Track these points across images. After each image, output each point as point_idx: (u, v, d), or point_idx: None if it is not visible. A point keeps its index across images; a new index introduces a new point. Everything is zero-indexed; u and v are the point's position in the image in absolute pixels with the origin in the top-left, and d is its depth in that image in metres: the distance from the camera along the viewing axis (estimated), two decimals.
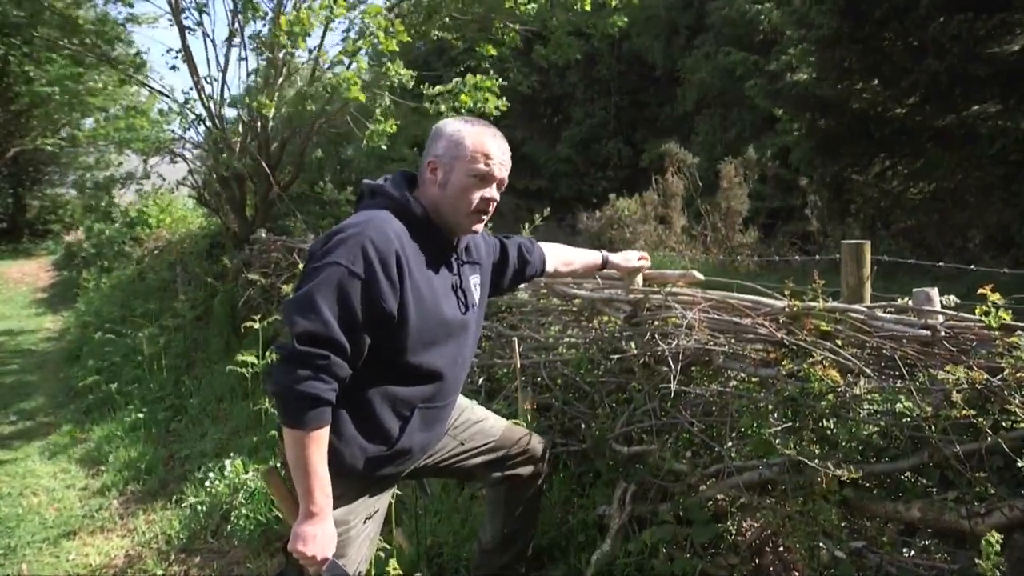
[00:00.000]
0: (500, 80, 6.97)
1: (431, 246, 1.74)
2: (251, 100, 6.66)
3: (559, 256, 2.35)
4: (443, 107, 6.65)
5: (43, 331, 9.84)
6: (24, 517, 3.86)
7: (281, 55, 6.99)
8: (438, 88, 6.74)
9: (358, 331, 1.58)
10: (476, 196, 1.74)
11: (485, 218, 1.80)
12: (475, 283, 1.91)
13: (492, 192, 1.78)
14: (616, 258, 2.53)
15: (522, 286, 3.66)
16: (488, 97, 6.81)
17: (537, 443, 2.25)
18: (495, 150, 1.76)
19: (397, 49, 6.36)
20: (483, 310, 1.98)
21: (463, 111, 6.74)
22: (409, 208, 1.72)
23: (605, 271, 2.61)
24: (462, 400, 2.16)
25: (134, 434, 4.89)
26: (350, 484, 1.71)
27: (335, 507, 1.66)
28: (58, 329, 9.79)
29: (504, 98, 6.96)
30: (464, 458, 2.07)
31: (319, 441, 1.55)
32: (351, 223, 1.65)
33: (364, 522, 1.77)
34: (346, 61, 6.67)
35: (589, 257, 2.47)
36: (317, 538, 1.56)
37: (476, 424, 2.12)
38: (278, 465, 1.63)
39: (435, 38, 8.24)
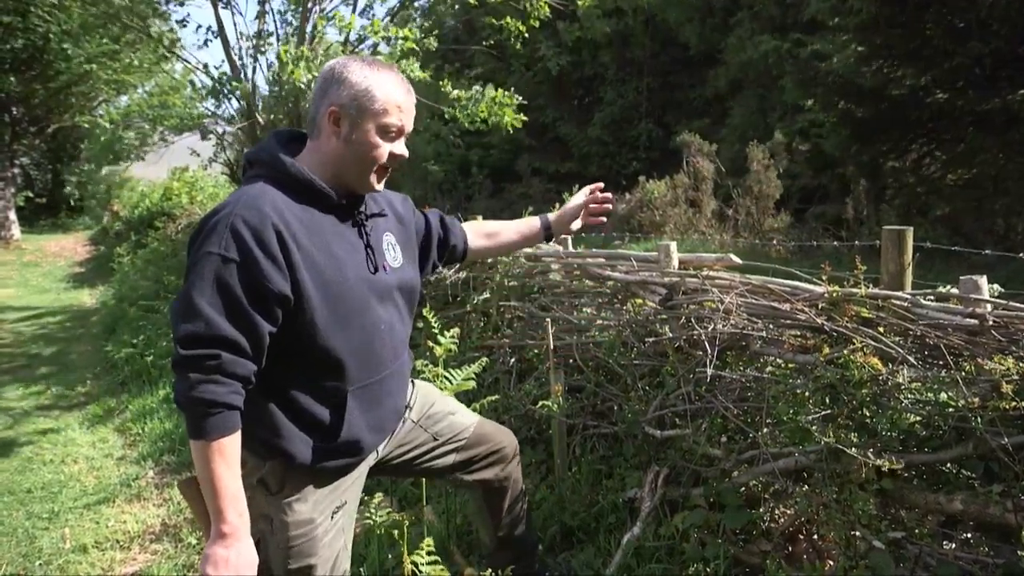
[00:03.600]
0: (517, 98, 6.97)
1: (322, 206, 1.56)
2: (282, 72, 6.69)
3: (483, 229, 2.08)
4: (459, 114, 6.70)
5: (81, 304, 10.07)
6: (65, 483, 3.97)
7: (310, 26, 7.00)
8: (458, 93, 6.78)
9: (249, 320, 1.42)
10: (385, 151, 1.57)
11: (387, 175, 1.64)
12: (390, 241, 1.71)
13: (401, 148, 1.61)
14: (556, 216, 2.11)
15: (554, 267, 3.67)
16: (506, 112, 6.78)
17: (509, 443, 2.09)
18: (406, 101, 1.58)
19: (414, 44, 6.39)
20: (414, 270, 1.78)
21: (477, 120, 6.78)
22: (284, 169, 1.53)
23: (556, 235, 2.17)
24: (432, 391, 2.04)
25: (169, 406, 4.99)
26: (305, 480, 1.59)
27: (294, 507, 1.57)
28: (95, 303, 10.01)
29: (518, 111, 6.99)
30: (435, 455, 1.94)
31: (226, 452, 1.40)
32: (222, 205, 1.48)
33: (332, 516, 1.64)
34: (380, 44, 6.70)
35: (525, 225, 2.12)
36: (230, 561, 1.40)
37: (448, 417, 1.98)
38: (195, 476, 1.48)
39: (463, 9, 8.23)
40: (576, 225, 2.12)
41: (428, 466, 1.94)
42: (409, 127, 1.61)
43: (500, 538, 2.16)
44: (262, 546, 1.54)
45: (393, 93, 1.55)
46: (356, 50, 7.02)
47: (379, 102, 1.53)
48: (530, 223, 2.12)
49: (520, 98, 6.97)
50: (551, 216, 2.13)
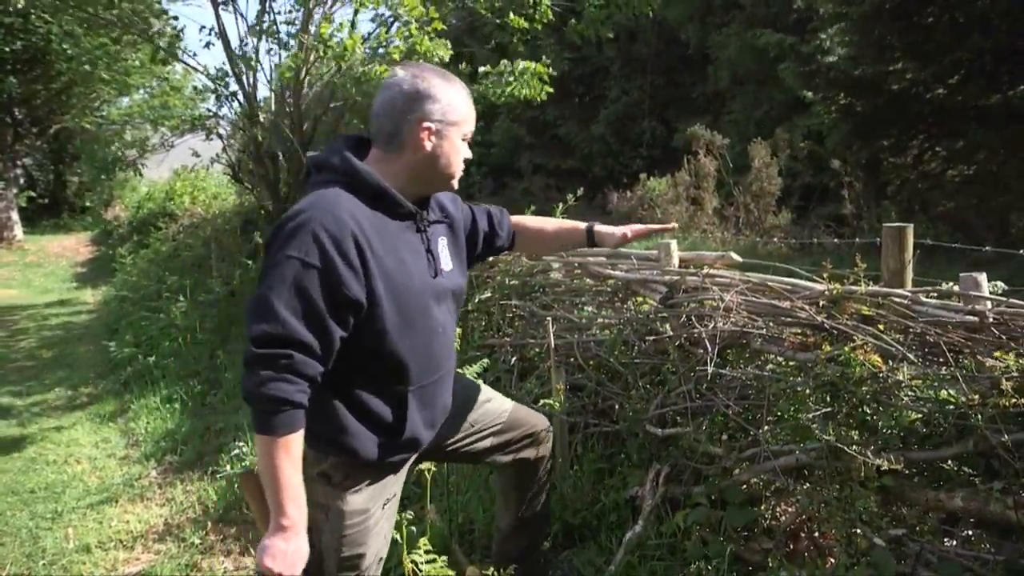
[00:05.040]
0: (547, 64, 6.76)
1: (393, 213, 1.62)
2: (281, 74, 6.68)
3: (528, 224, 2.14)
4: (491, 90, 6.54)
5: (83, 304, 10.09)
6: (69, 483, 3.98)
7: (312, 32, 6.99)
8: (485, 68, 6.67)
9: (324, 324, 1.48)
10: (462, 157, 1.69)
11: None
12: (444, 244, 1.78)
13: (468, 151, 1.72)
14: (604, 229, 2.13)
15: (555, 266, 3.67)
16: (535, 83, 6.56)
17: (542, 425, 2.18)
18: (472, 109, 1.71)
19: (442, 26, 6.28)
20: (463, 273, 1.86)
21: (505, 95, 6.62)
22: (359, 177, 1.57)
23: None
24: (468, 379, 2.12)
25: (170, 406, 5.01)
26: (365, 474, 1.67)
27: (354, 498, 1.64)
28: (97, 303, 10.02)
29: (547, 83, 6.77)
30: (473, 440, 2.02)
31: (291, 449, 1.46)
32: (300, 209, 1.52)
33: (383, 508, 1.74)
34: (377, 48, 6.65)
35: (568, 226, 2.17)
36: (287, 555, 1.47)
37: (485, 404, 2.06)
38: (255, 470, 1.53)
39: (466, 9, 8.15)
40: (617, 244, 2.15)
41: (467, 450, 2.03)
42: None
43: (520, 519, 2.23)
44: (315, 535, 1.60)
45: (468, 104, 1.68)
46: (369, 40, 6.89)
47: (460, 113, 1.65)
48: (575, 228, 2.14)
49: (551, 68, 6.77)
50: (599, 227, 2.12)
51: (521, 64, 6.60)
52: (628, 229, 2.11)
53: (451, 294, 1.77)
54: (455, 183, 1.72)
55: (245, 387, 1.46)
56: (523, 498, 2.21)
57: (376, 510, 1.71)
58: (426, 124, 1.61)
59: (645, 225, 2.17)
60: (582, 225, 2.14)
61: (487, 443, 2.05)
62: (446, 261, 1.76)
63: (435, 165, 1.65)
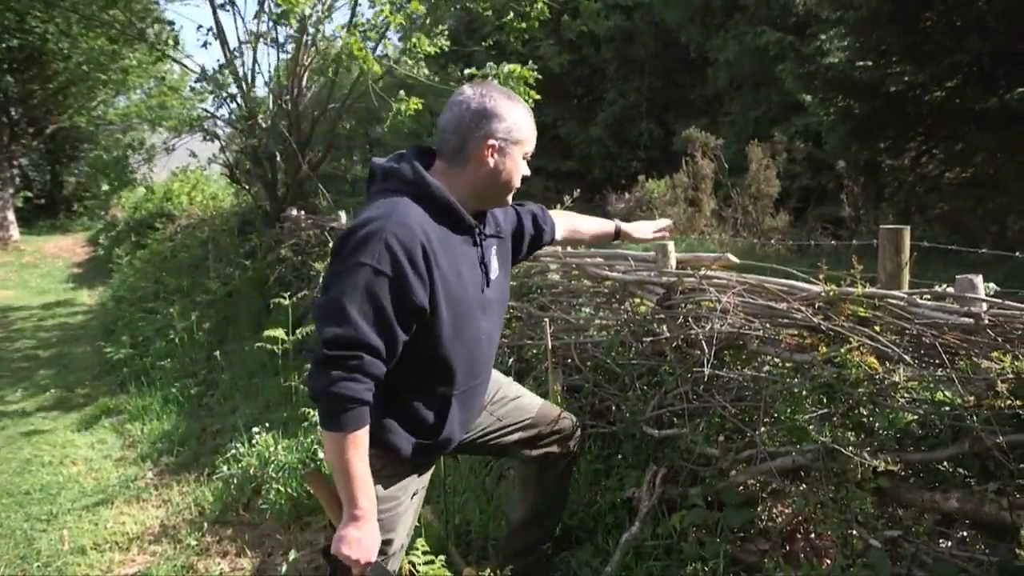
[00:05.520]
0: (534, 69, 6.68)
1: (455, 226, 1.69)
2: (278, 76, 6.68)
3: (568, 223, 2.27)
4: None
5: (80, 305, 10.07)
6: (64, 485, 3.98)
7: (309, 34, 6.99)
8: (471, 71, 6.62)
9: (391, 329, 1.56)
10: (521, 176, 1.77)
11: None
12: (494, 255, 1.85)
13: (527, 169, 1.79)
14: (629, 227, 2.40)
15: (553, 267, 3.67)
16: (522, 88, 6.50)
17: (569, 422, 2.26)
18: (534, 128, 1.78)
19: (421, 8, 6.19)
20: (507, 282, 1.96)
21: None
22: (429, 191, 1.64)
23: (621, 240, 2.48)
24: (499, 376, 2.16)
25: (167, 407, 5.00)
26: (401, 468, 1.76)
27: (387, 485, 1.71)
28: (94, 304, 10.01)
29: (536, 88, 6.71)
30: (500, 435, 2.10)
31: (359, 443, 1.55)
32: (372, 216, 1.58)
33: (411, 497, 1.82)
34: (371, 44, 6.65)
35: (600, 225, 2.38)
36: (362, 542, 1.56)
37: (513, 401, 2.13)
38: (320, 468, 1.63)
39: (463, 11, 8.12)
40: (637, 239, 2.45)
41: (494, 444, 2.11)
42: None
43: (535, 512, 2.30)
44: None
45: (530, 123, 1.76)
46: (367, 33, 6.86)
47: (523, 132, 1.73)
48: (607, 228, 2.38)
49: (536, 72, 6.68)
50: (624, 225, 2.39)
51: (507, 67, 6.54)
52: (656, 234, 2.43)
53: (497, 304, 1.86)
54: (511, 199, 1.81)
55: (314, 387, 1.53)
56: (541, 491, 2.28)
57: (405, 499, 1.79)
58: (491, 141, 1.68)
59: (657, 223, 2.42)
60: (611, 227, 2.36)
61: (514, 437, 2.13)
62: (495, 272, 1.83)
63: (496, 181, 1.72)
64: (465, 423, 1.88)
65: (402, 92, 6.49)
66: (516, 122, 1.70)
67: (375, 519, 1.60)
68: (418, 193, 1.64)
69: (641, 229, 2.42)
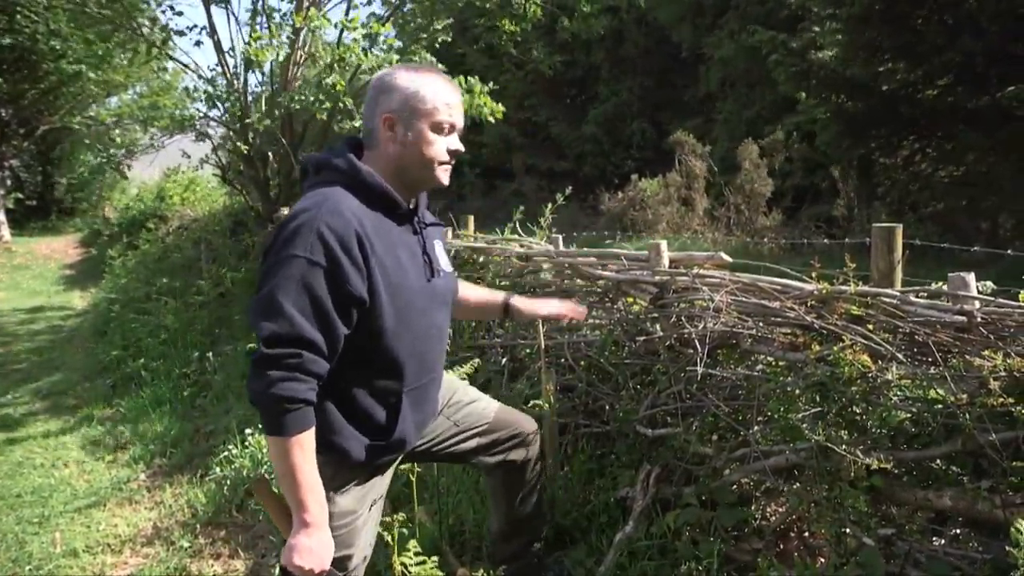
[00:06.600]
0: (493, 86, 6.65)
1: (390, 214, 1.63)
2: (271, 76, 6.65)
3: (463, 285, 2.15)
4: None
5: (71, 307, 10.02)
6: (56, 487, 3.95)
7: (302, 34, 6.97)
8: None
9: (330, 322, 1.49)
10: (443, 147, 1.65)
11: (450, 169, 1.71)
12: (440, 248, 1.80)
13: (456, 143, 1.68)
14: (520, 303, 2.20)
15: (545, 266, 3.66)
16: (484, 102, 6.45)
17: (529, 426, 2.18)
18: (453, 97, 1.66)
19: None
20: (453, 277, 1.89)
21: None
22: (360, 178, 1.59)
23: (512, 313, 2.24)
24: (454, 380, 2.12)
25: (160, 409, 4.97)
26: (353, 475, 1.67)
27: (344, 499, 1.64)
28: (86, 305, 9.96)
29: (500, 103, 6.64)
30: (457, 441, 2.02)
31: (305, 446, 1.47)
32: (303, 208, 1.53)
33: (370, 509, 1.74)
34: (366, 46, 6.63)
35: (490, 295, 2.25)
36: (314, 550, 1.49)
37: (468, 405, 2.06)
38: (268, 475, 1.57)
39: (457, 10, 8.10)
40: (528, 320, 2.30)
41: (451, 451, 2.03)
42: (460, 123, 1.69)
43: (512, 522, 2.25)
44: None
45: (440, 92, 1.63)
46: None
47: (428, 102, 1.62)
48: (495, 298, 2.22)
49: (492, 85, 6.66)
50: (516, 301, 2.19)
51: (471, 81, 6.48)
52: (544, 308, 2.25)
53: (446, 296, 1.79)
54: (441, 177, 1.68)
55: (253, 390, 1.46)
56: (512, 501, 2.22)
57: (363, 511, 1.71)
58: (386, 115, 1.62)
59: (558, 309, 2.24)
60: (499, 298, 2.20)
61: (472, 444, 2.05)
62: (440, 264, 1.77)
63: (408, 157, 1.63)
64: (420, 424, 1.78)
65: None
66: (416, 92, 1.61)
67: (327, 525, 1.53)
68: (350, 182, 1.59)
69: (535, 305, 2.26)
